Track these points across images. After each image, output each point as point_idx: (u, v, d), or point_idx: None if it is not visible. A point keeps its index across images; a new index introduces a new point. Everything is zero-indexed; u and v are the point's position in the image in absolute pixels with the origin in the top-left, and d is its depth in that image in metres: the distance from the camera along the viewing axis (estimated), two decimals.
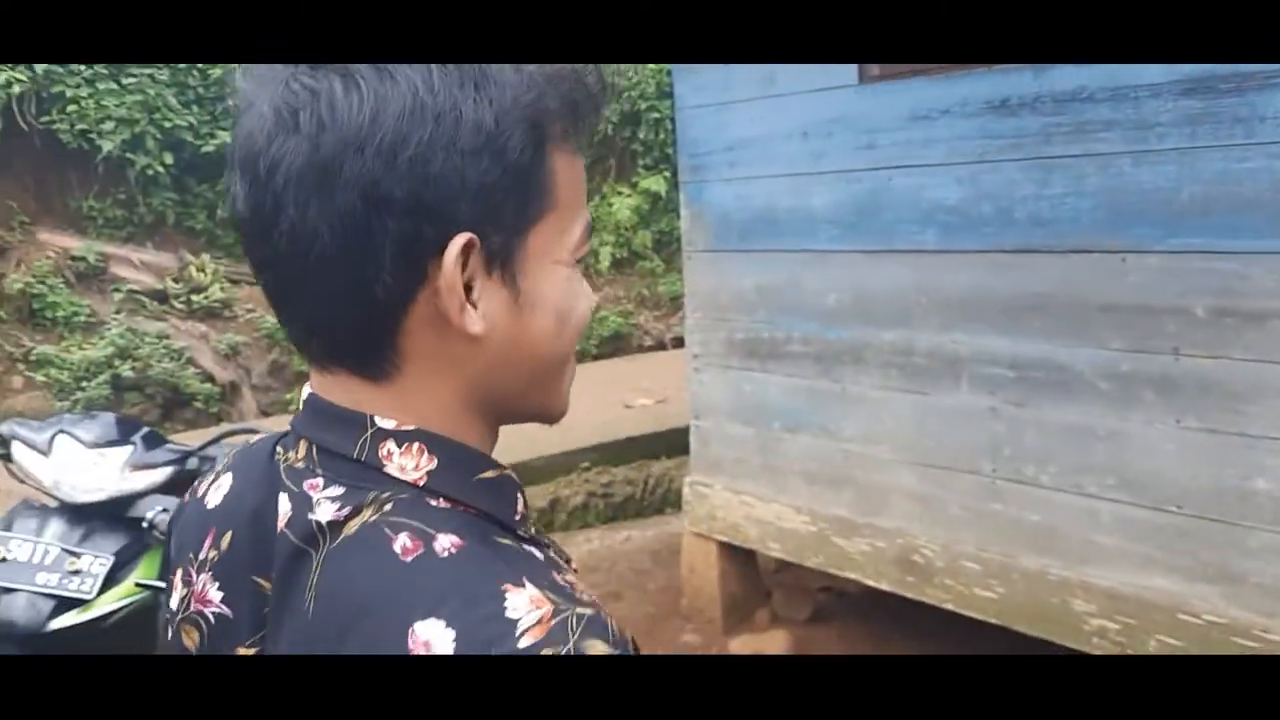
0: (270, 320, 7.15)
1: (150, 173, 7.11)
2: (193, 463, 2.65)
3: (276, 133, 0.66)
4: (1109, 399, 2.72)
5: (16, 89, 6.67)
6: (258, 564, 0.71)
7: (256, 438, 0.82)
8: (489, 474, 0.73)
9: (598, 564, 4.69)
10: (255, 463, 0.76)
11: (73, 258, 6.92)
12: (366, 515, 0.68)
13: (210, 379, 6.68)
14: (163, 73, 7.28)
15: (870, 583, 3.37)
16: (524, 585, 0.63)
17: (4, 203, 6.99)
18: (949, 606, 3.13)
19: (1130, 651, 2.70)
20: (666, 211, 9.31)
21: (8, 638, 2.41)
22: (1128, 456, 2.70)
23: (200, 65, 7.44)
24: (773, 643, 3.77)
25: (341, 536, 0.67)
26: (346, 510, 0.68)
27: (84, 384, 6.22)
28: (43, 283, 6.65)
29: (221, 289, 7.23)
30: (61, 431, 2.60)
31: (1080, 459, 2.80)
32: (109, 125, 6.88)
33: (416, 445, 0.71)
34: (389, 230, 0.66)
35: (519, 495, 0.75)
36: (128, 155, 7.00)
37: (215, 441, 3.23)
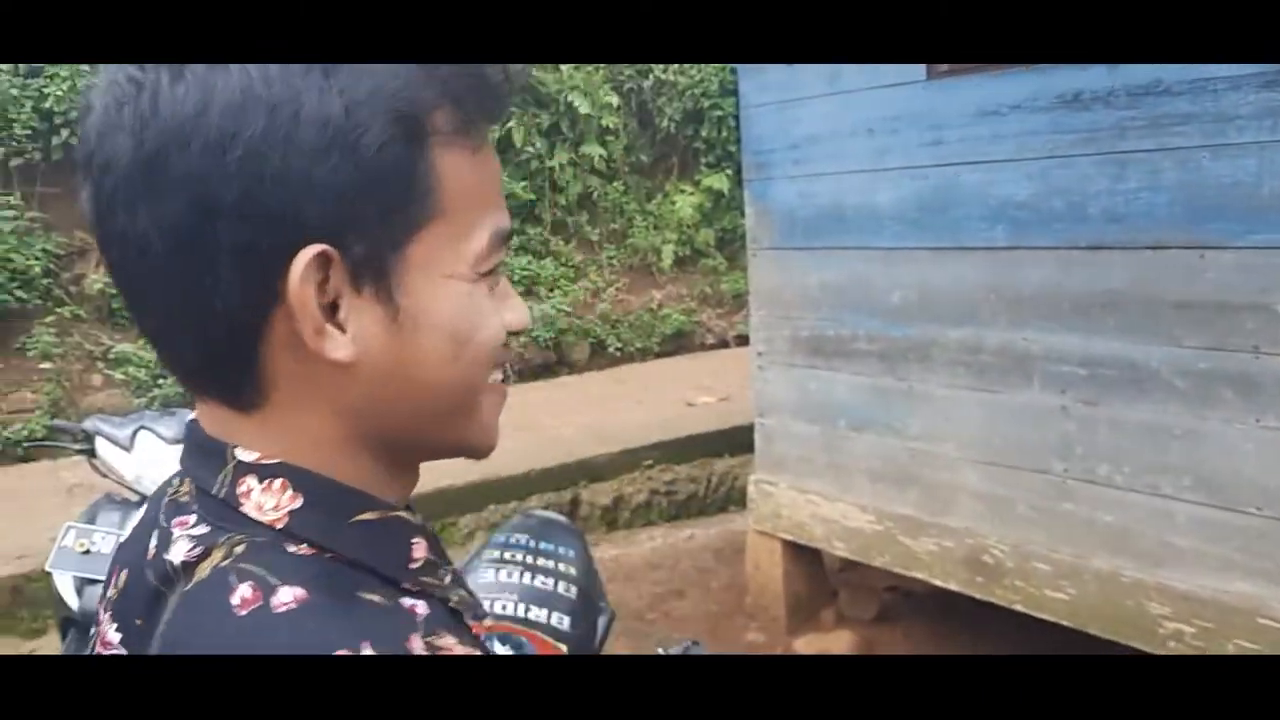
0: None
1: None
2: None
3: (105, 130, 0.59)
4: (1185, 398, 2.67)
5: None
6: (141, 604, 0.62)
7: None
8: (368, 516, 0.64)
9: (660, 561, 4.70)
10: (160, 495, 0.68)
11: None
12: (217, 558, 0.59)
13: None
14: None
15: (938, 583, 3.34)
16: (360, 651, 0.55)
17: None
18: (1019, 608, 3.09)
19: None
20: (729, 209, 9.28)
21: (91, 627, 2.49)
22: (1205, 456, 2.64)
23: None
24: (838, 642, 3.75)
25: (194, 580, 0.59)
26: (198, 551, 0.60)
27: (159, 381, 6.37)
28: None
29: None
30: (143, 428, 2.67)
31: (1155, 459, 2.75)
32: None
33: (279, 482, 0.63)
34: (221, 238, 0.57)
35: (416, 540, 0.66)
36: None
37: None
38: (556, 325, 7.93)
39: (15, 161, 6.74)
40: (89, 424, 2.73)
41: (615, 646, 2.47)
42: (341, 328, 0.60)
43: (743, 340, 8.00)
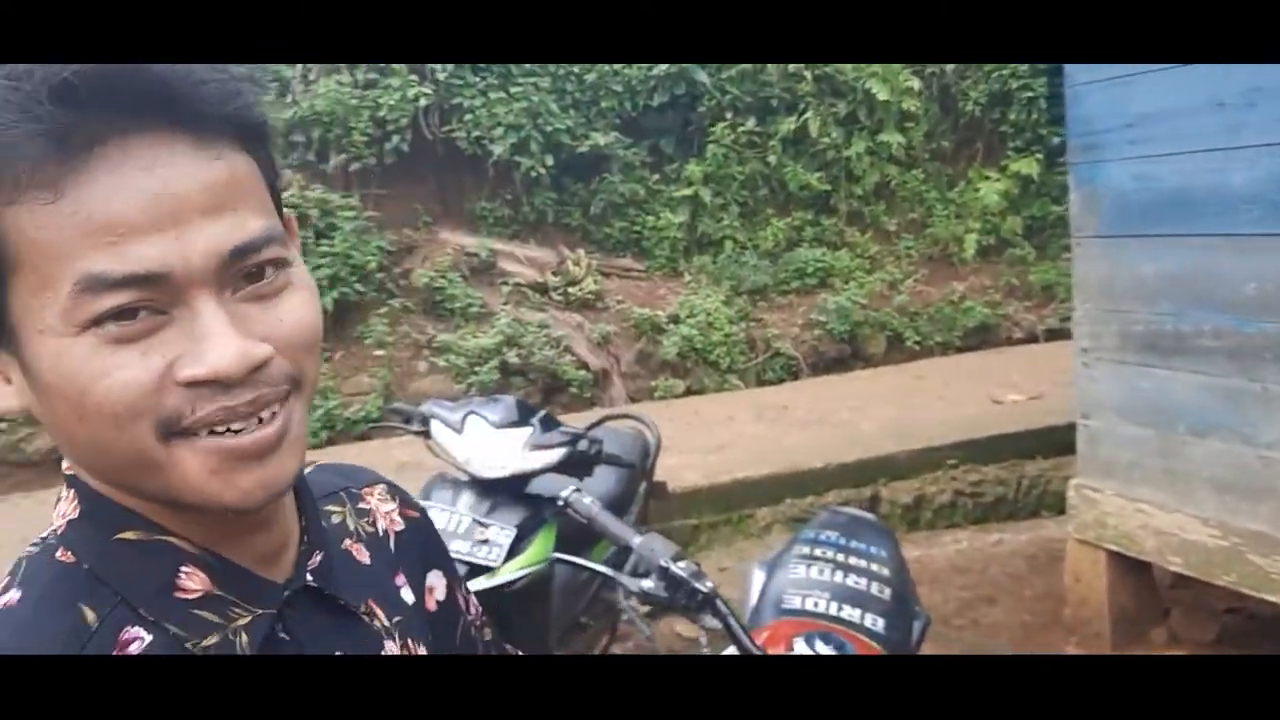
0: (638, 311, 7.49)
1: (533, 174, 7.65)
2: (583, 444, 2.80)
3: None
4: None
5: (423, 102, 7.40)
6: None
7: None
8: (130, 535, 0.66)
9: (968, 566, 4.49)
10: None
11: (468, 254, 7.59)
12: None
13: (584, 366, 7.09)
14: (545, 80, 7.81)
15: None
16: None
17: (411, 205, 7.79)
18: None
19: None
20: (1039, 196, 8.76)
21: None
22: None
23: (577, 69, 7.92)
24: None
25: None
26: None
27: (477, 369, 6.80)
28: (443, 277, 7.34)
29: (594, 281, 7.65)
30: (472, 412, 2.84)
31: None
32: (499, 131, 7.47)
33: (70, 492, 0.68)
34: None
35: (186, 569, 0.66)
36: (515, 159, 7.57)
37: (598, 424, 3.41)
38: (851, 318, 7.78)
39: (354, 166, 7.40)
40: (425, 408, 2.93)
41: (925, 651, 2.37)
42: (7, 379, 0.64)
43: (1055, 335, 7.52)
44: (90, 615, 0.64)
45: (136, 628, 0.65)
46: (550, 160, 7.66)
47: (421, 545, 0.90)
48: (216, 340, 0.61)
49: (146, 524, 0.67)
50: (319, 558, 0.75)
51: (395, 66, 7.33)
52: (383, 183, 7.59)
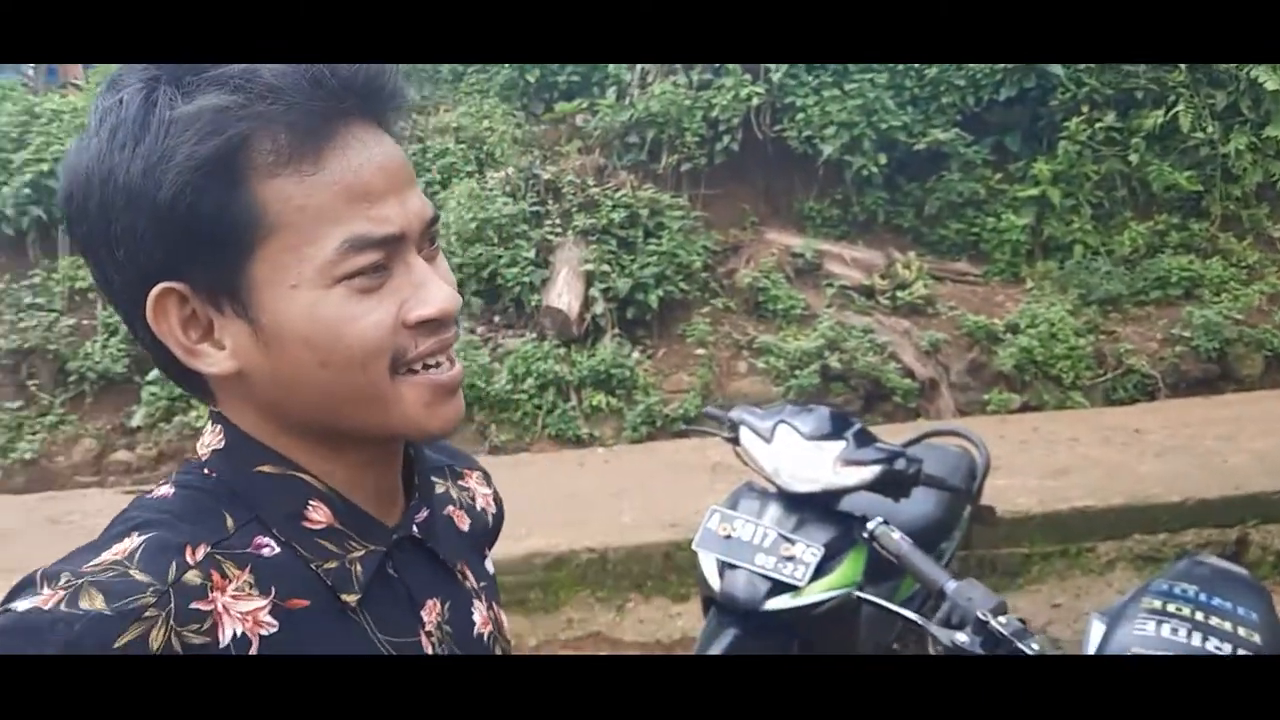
0: (971, 318, 7.06)
1: (864, 173, 7.40)
2: (900, 463, 2.59)
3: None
4: None
5: (755, 101, 7.36)
6: None
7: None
8: (268, 469, 0.76)
9: None
10: None
11: (793, 255, 7.48)
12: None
13: (910, 374, 6.77)
14: (882, 75, 7.54)
15: None
16: (127, 538, 0.70)
17: (738, 205, 7.79)
18: None
19: None
20: None
21: (729, 610, 2.58)
22: None
23: (916, 66, 7.57)
24: None
25: None
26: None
27: (796, 372, 6.67)
28: (767, 278, 7.27)
29: (925, 286, 7.30)
30: (783, 422, 2.71)
31: None
32: (830, 130, 7.29)
33: (217, 427, 0.77)
34: (105, 283, 0.73)
35: (314, 502, 0.76)
36: (845, 157, 7.36)
37: (918, 440, 3.17)
38: (1222, 334, 6.92)
39: (685, 167, 7.49)
40: (735, 414, 2.84)
41: None
42: (220, 345, 0.72)
43: None
44: (230, 521, 0.75)
45: (268, 538, 0.75)
46: (883, 158, 7.39)
47: (494, 530, 1.01)
48: (435, 287, 0.74)
49: (283, 460, 0.77)
50: (425, 513, 0.85)
51: (730, 66, 7.33)
52: (711, 183, 7.62)
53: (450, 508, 0.94)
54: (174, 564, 0.70)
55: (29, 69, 10.54)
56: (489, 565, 0.98)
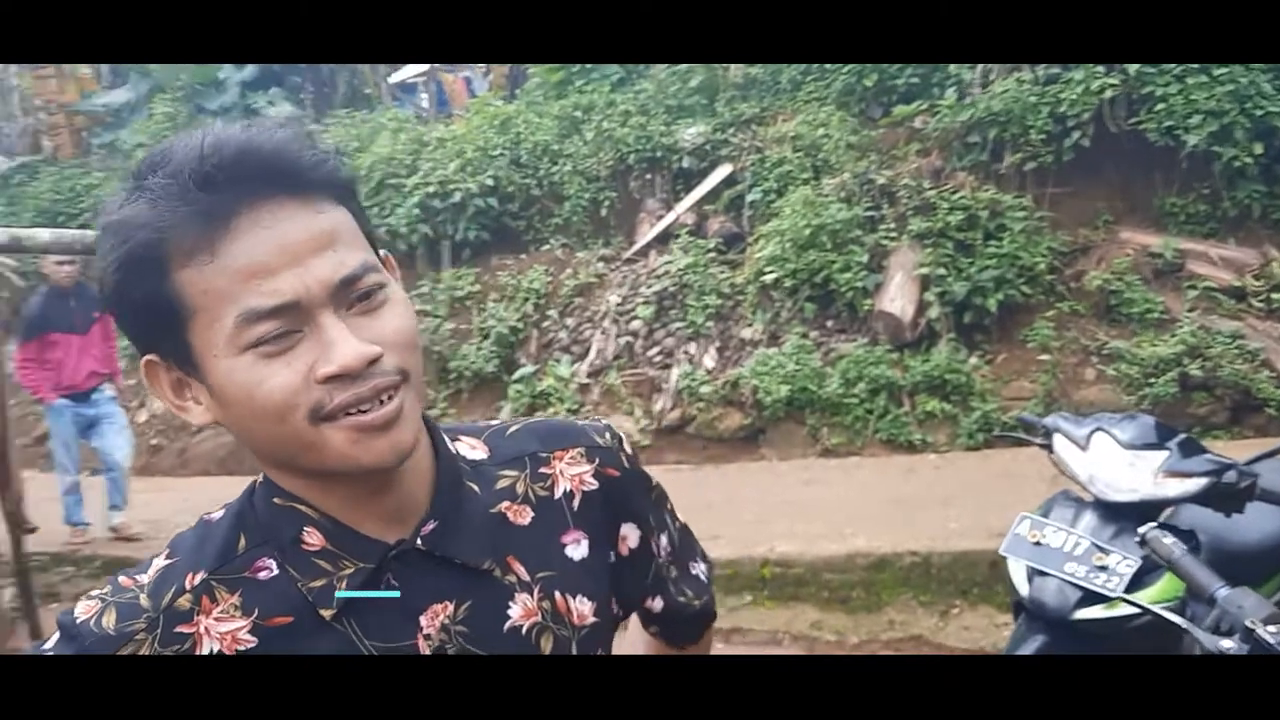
0: None
1: (1237, 164, 6.78)
2: (1230, 475, 2.45)
3: None
4: None
5: (1109, 94, 6.96)
6: None
7: None
8: (278, 500, 0.89)
9: None
10: None
11: (1150, 254, 6.98)
12: None
13: None
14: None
15: None
16: (157, 560, 0.90)
17: (1089, 204, 7.38)
18: None
19: None
20: None
21: (1038, 618, 2.56)
22: None
23: None
24: None
25: None
26: None
27: (1152, 380, 6.25)
28: (1120, 279, 6.84)
29: None
30: (1100, 429, 2.64)
31: None
32: (1195, 119, 6.75)
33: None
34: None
35: (309, 529, 0.88)
36: (1214, 148, 6.79)
37: (1266, 456, 2.96)
38: None
39: (1029, 165, 7.21)
40: (1050, 420, 2.79)
41: None
42: (198, 401, 0.86)
43: None
44: (242, 543, 0.90)
45: (270, 560, 0.89)
46: (1259, 148, 6.73)
47: (617, 501, 1.02)
48: (340, 345, 0.80)
49: (288, 495, 0.89)
50: (432, 525, 0.91)
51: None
52: (1059, 181, 7.29)
53: (506, 504, 0.97)
54: (171, 591, 0.87)
55: (424, 101, 11.91)
56: (579, 549, 0.99)
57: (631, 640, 1.19)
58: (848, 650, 4.34)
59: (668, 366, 7.44)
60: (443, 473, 0.94)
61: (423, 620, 0.89)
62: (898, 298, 6.94)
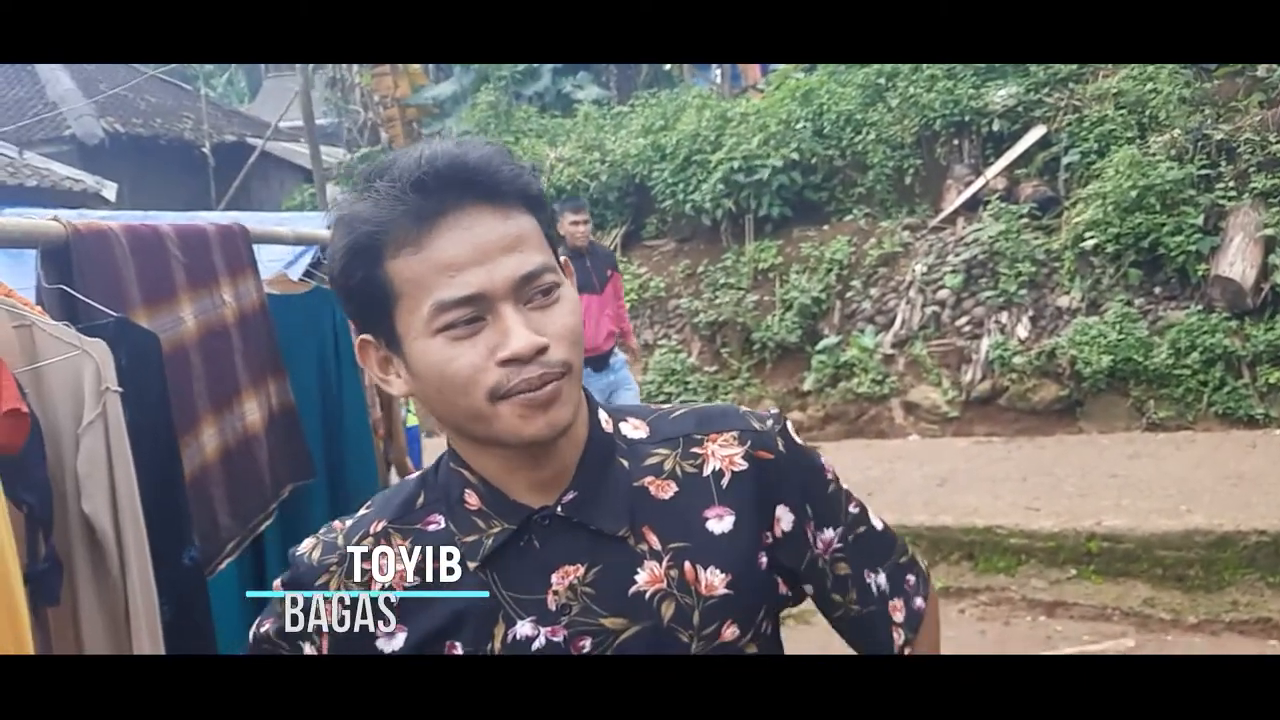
0: None
1: None
2: None
3: None
4: None
5: None
6: None
7: None
8: (452, 465, 1.04)
9: None
10: None
11: None
12: None
13: None
14: None
15: None
16: (360, 510, 1.10)
17: None
18: None
19: None
20: None
21: None
22: None
23: None
24: None
25: None
26: None
27: None
28: None
29: None
30: None
31: None
32: None
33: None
34: None
35: (468, 490, 1.02)
36: None
37: None
38: None
39: None
40: None
41: None
42: (397, 374, 1.00)
43: None
44: (421, 500, 1.06)
45: (439, 516, 1.04)
46: None
47: (770, 483, 1.06)
48: (515, 333, 0.92)
49: (460, 461, 1.04)
50: (572, 495, 1.02)
51: None
52: None
53: (649, 478, 1.04)
54: (360, 534, 1.04)
55: (716, 76, 12.16)
56: (721, 524, 1.04)
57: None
58: (1184, 631, 4.14)
59: (977, 336, 7.27)
60: (591, 449, 1.04)
61: (554, 578, 1.00)
62: (1237, 261, 6.43)
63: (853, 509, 1.12)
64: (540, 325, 0.94)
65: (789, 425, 1.11)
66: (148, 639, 1.61)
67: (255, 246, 2.64)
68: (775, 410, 1.13)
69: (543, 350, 0.93)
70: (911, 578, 1.15)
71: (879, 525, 1.15)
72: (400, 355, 0.97)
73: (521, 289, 0.94)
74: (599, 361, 5.81)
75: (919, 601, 1.14)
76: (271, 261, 3.33)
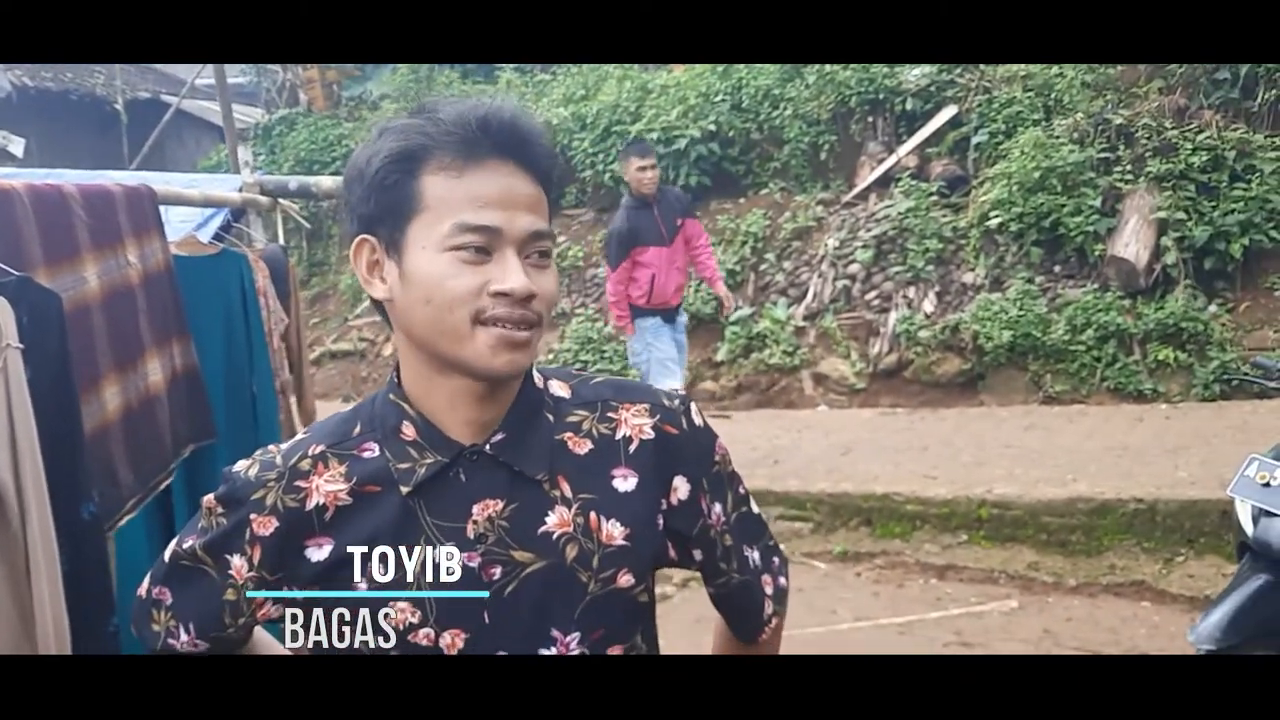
0: None
1: None
2: None
3: None
4: None
5: None
6: None
7: None
8: (391, 397, 1.13)
9: None
10: None
11: None
12: None
13: None
14: None
15: None
16: (297, 435, 1.18)
17: None
18: None
19: None
20: None
21: (1262, 558, 2.58)
22: None
23: None
24: None
25: None
26: None
27: None
28: None
29: None
30: None
31: None
32: None
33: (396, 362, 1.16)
34: (343, 235, 1.16)
35: (405, 422, 1.11)
36: None
37: None
38: None
39: None
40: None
41: None
42: (383, 279, 1.08)
43: None
44: (357, 429, 1.14)
45: (374, 444, 1.12)
46: None
47: (671, 455, 1.17)
48: (515, 274, 1.04)
49: (399, 392, 1.13)
50: (501, 436, 1.12)
51: None
52: None
53: (569, 434, 1.15)
54: (298, 455, 1.12)
55: None
56: (625, 484, 1.15)
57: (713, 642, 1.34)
58: (1066, 592, 4.37)
59: (885, 310, 7.48)
60: (522, 399, 1.15)
61: (475, 509, 1.09)
62: (1132, 242, 6.71)
63: (740, 490, 1.25)
64: (533, 278, 1.06)
65: (693, 407, 1.22)
66: (48, 591, 1.65)
67: (164, 208, 2.65)
68: (684, 393, 1.25)
69: (530, 297, 1.05)
70: (776, 560, 1.29)
71: (756, 509, 1.27)
72: (397, 261, 1.07)
73: (527, 244, 1.07)
74: (669, 314, 5.64)
75: (783, 580, 1.29)
76: (182, 223, 3.32)
